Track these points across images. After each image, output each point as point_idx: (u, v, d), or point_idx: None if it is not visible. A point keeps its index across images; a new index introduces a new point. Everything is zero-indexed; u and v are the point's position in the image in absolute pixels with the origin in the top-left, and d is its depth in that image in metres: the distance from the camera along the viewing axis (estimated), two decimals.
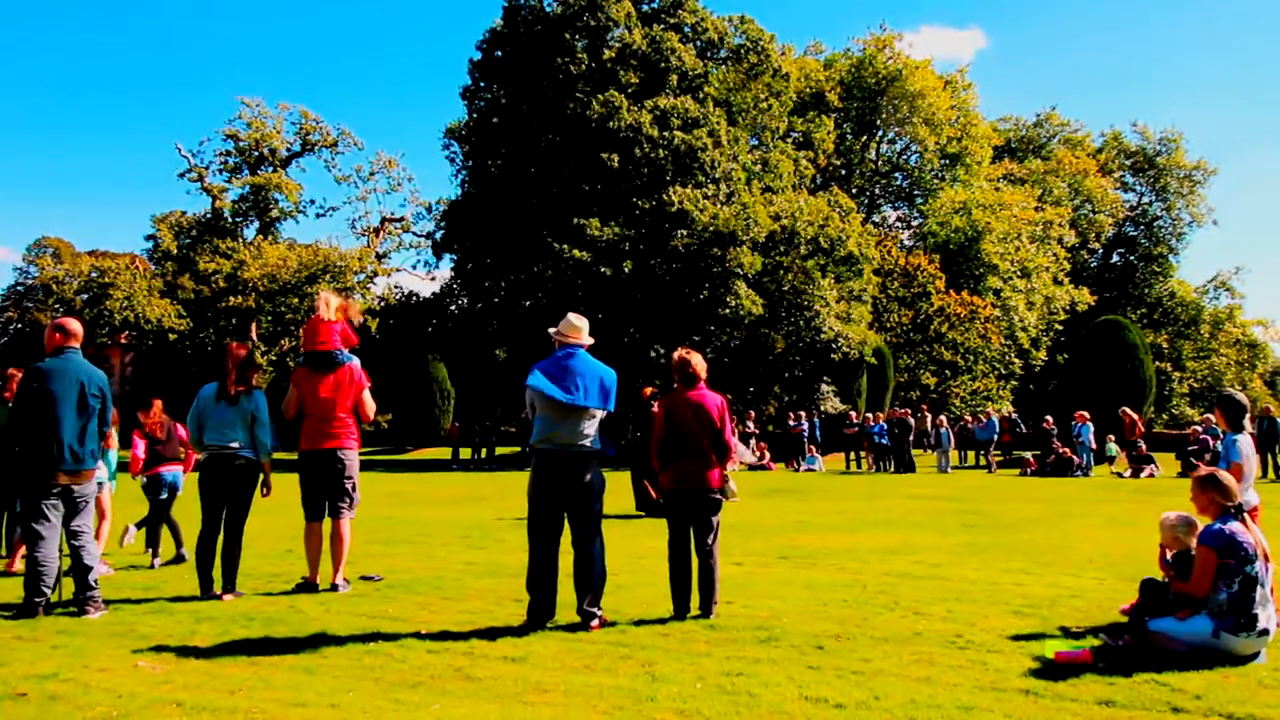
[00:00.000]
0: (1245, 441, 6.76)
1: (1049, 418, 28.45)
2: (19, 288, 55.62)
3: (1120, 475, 24.29)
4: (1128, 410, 26.56)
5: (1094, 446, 25.95)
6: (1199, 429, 24.76)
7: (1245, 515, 5.73)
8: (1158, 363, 45.03)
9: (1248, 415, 6.92)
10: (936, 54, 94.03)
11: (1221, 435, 6.99)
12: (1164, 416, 48.10)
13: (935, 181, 49.08)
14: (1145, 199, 56.40)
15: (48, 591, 6.64)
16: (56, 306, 50.72)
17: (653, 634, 6.03)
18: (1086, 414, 26.14)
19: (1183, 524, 6.02)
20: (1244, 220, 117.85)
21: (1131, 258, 56.53)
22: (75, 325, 7.02)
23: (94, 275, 53.56)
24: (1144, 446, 25.38)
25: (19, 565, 7.03)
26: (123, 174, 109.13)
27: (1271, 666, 5.23)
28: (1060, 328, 46.31)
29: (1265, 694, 4.73)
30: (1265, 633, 5.38)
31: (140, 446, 9.52)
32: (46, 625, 6.32)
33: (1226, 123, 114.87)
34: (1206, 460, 21.53)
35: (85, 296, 52.72)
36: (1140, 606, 5.73)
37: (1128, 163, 56.29)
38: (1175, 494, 15.72)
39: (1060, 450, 25.85)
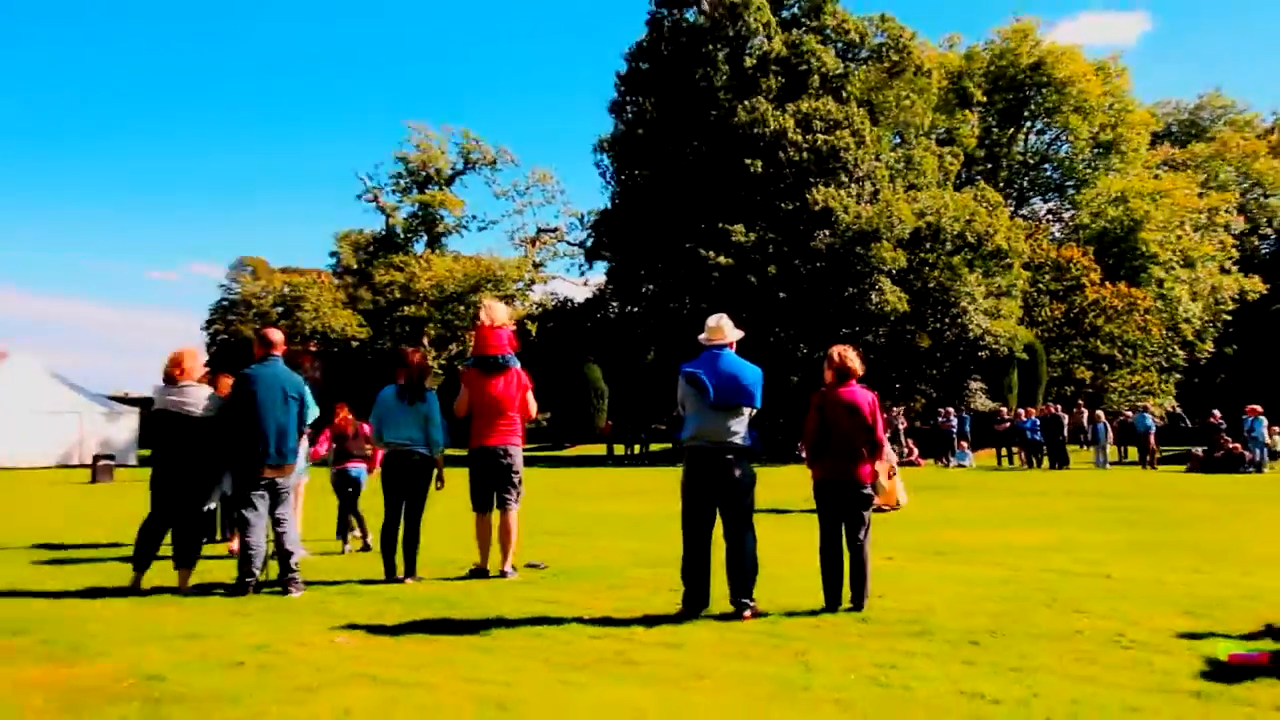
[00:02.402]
0: None
1: (1216, 412, 26.58)
2: (224, 302, 59.17)
3: None
4: None
5: (1268, 442, 24.09)
6: None
7: None
8: None
9: None
10: (1098, 40, 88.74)
11: None
12: None
13: (1088, 171, 46.36)
14: None
15: (257, 572, 7.06)
16: (255, 318, 53.71)
17: (804, 625, 5.96)
18: (1260, 408, 24.29)
19: None
20: None
21: None
22: (277, 335, 7.49)
23: (286, 290, 56.54)
24: None
25: (236, 546, 7.60)
26: (309, 197, 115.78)
27: None
28: (1229, 318, 42.98)
29: None
30: None
31: (324, 445, 10.11)
32: (256, 602, 6.74)
33: None
34: None
35: (279, 309, 55.51)
36: None
37: None
38: None
39: (1229, 445, 24.09)
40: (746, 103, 32.03)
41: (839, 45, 34.99)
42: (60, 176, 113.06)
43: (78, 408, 31.79)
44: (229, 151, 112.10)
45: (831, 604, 6.40)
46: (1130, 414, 30.11)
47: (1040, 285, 39.43)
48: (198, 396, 7.27)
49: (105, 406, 33.31)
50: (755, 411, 6.44)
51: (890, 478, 13.57)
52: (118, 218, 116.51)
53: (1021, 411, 29.12)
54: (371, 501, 9.38)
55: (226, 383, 7.91)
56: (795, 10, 35.23)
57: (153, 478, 7.33)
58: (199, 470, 7.32)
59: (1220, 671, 4.78)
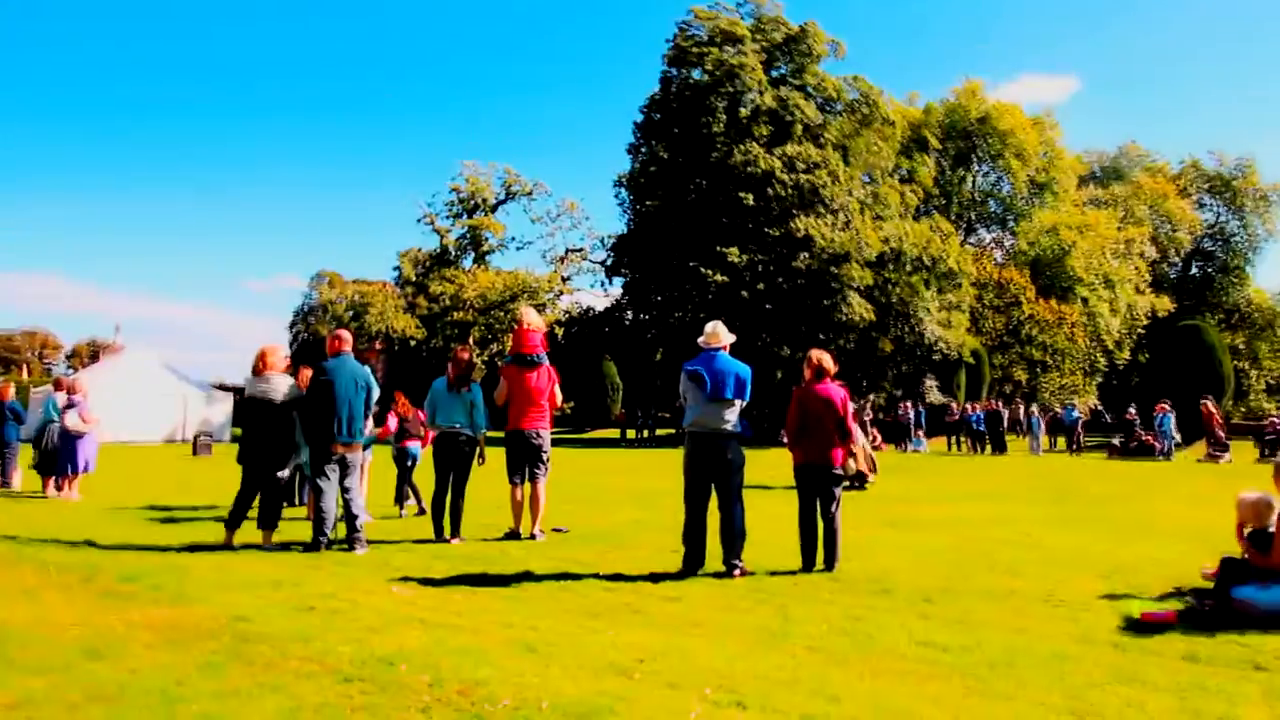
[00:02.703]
0: None
1: (1132, 408, 26.50)
2: (305, 307, 59.61)
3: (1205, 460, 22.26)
4: (1208, 403, 24.33)
5: (1174, 434, 23.96)
6: (1276, 420, 22.46)
7: None
8: (1235, 361, 41.01)
9: None
10: (1035, 98, 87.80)
11: None
12: (1241, 409, 43.65)
13: (1025, 206, 46.16)
14: (1222, 217, 51.04)
15: (328, 533, 7.11)
16: (331, 321, 53.89)
17: (785, 583, 5.96)
18: (1167, 405, 24.17)
19: (1262, 503, 5.47)
20: None
21: (1209, 269, 51.23)
22: (347, 335, 7.56)
23: (356, 297, 56.73)
24: (1222, 435, 23.19)
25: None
26: (377, 220, 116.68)
27: None
28: (1142, 331, 42.83)
29: None
30: None
31: (393, 423, 10.14)
32: (327, 557, 6.78)
33: None
34: None
35: (350, 313, 55.70)
36: (1221, 576, 5.25)
37: (1205, 185, 51.07)
38: (1251, 476, 14.26)
39: (1142, 437, 24.00)
40: (741, 147, 32.01)
41: (819, 100, 34.87)
42: (184, 208, 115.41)
43: (183, 393, 31.96)
44: (312, 184, 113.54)
45: (807, 566, 6.39)
46: (1060, 409, 30.02)
47: (984, 301, 39.39)
48: (279, 384, 7.31)
49: (205, 392, 33.46)
50: (745, 403, 6.45)
51: (869, 460, 13.53)
52: (223, 238, 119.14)
53: (968, 406, 29.06)
54: (423, 474, 9.43)
55: (306, 374, 7.95)
56: (782, 70, 35.18)
57: (239, 452, 7.38)
58: (279, 446, 7.35)
59: (1135, 627, 4.76)
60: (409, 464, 10.00)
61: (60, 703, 3.34)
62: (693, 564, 6.25)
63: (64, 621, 4.55)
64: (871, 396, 31.95)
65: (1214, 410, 23.76)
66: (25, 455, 12.86)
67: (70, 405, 11.70)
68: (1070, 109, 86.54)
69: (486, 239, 57.76)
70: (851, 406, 6.72)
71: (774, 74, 34.98)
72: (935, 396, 34.52)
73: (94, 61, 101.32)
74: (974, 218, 48.73)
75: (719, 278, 30.29)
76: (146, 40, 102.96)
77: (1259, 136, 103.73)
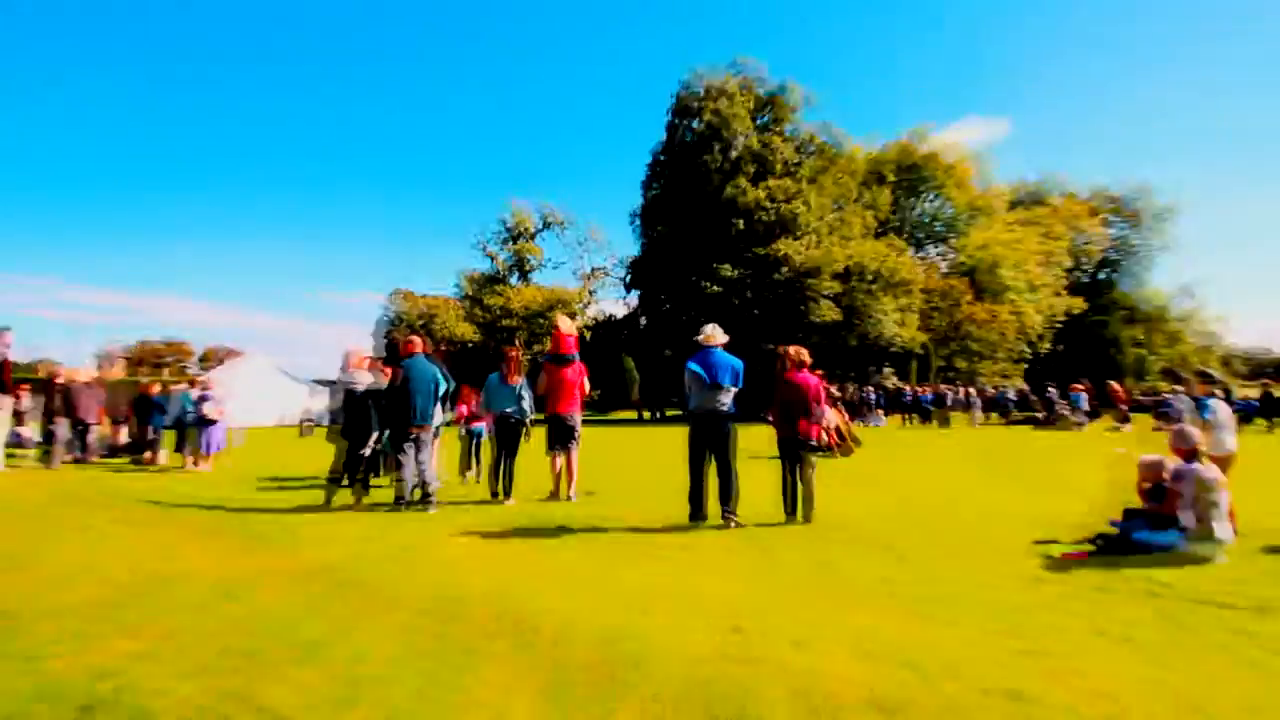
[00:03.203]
0: (1218, 404, 6.01)
1: (1051, 389, 26.18)
2: (384, 317, 60.20)
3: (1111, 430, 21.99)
4: (1114, 383, 24.05)
5: (1086, 409, 23.67)
6: (1168, 396, 22.13)
7: (1204, 456, 5.12)
8: (1136, 349, 40.47)
9: (1218, 385, 6.14)
10: (973, 137, 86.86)
11: (1200, 400, 6.21)
12: (1141, 386, 43.05)
13: (964, 226, 45.53)
14: (1124, 233, 50.40)
15: (407, 496, 7.13)
16: (406, 328, 54.45)
17: (770, 532, 5.96)
18: (1080, 386, 23.93)
19: (1157, 464, 5.43)
20: (1206, 240, 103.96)
21: (1114, 275, 50.42)
22: (419, 340, 7.58)
23: (426, 309, 57.17)
24: (1126, 409, 22.92)
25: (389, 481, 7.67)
26: (442, 245, 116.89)
27: (1226, 567, 4.65)
28: (1060, 326, 42.33)
29: (1218, 584, 4.23)
30: (1222, 542, 4.80)
31: (464, 410, 10.18)
32: (407, 516, 6.80)
33: (1195, 170, 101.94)
34: (1173, 418, 19.18)
35: (422, 323, 56.23)
36: (1124, 523, 5.21)
37: (1111, 207, 50.34)
38: (1149, 443, 14.07)
39: (1061, 412, 23.73)
40: (732, 183, 31.85)
41: (795, 143, 34.60)
42: (283, 241, 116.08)
43: (290, 387, 32.27)
44: (388, 217, 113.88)
45: (788, 518, 6.38)
46: (993, 390, 29.69)
47: (931, 304, 38.94)
48: (361, 378, 7.44)
49: (308, 386, 33.77)
50: (738, 389, 6.43)
51: (846, 430, 13.34)
52: (324, 262, 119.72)
53: (919, 388, 28.80)
54: (482, 449, 9.47)
55: (387, 371, 8.00)
56: (765, 120, 34.95)
57: (340, 431, 7.46)
58: (360, 426, 7.42)
59: (1055, 564, 4.75)
60: (474, 441, 9.99)
61: (201, 633, 3.41)
62: (696, 517, 6.25)
63: (201, 568, 4.63)
64: (839, 384, 31.76)
65: (1119, 389, 23.49)
66: (168, 439, 13.05)
67: (204, 398, 11.86)
68: (1002, 147, 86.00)
69: (529, 261, 57.89)
70: (830, 391, 6.71)
71: (759, 123, 34.77)
72: (892, 382, 34.31)
73: (226, 134, 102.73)
74: (922, 236, 48.14)
75: (715, 289, 30.30)
76: (259, 120, 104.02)
77: (1157, 163, 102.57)
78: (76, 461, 12.11)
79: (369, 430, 7.51)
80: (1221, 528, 4.81)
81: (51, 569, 4.60)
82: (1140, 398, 34.40)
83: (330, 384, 31.94)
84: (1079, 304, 43.21)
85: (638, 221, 38.83)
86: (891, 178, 42.08)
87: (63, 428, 11.71)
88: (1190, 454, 5.05)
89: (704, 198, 32.47)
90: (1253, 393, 24.85)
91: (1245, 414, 20.76)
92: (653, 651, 3.11)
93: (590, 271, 59.23)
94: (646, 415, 34.64)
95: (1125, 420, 22.28)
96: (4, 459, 10.89)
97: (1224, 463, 5.80)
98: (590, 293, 58.24)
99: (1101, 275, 51.33)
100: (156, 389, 13.45)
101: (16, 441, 13.94)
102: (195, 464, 11.63)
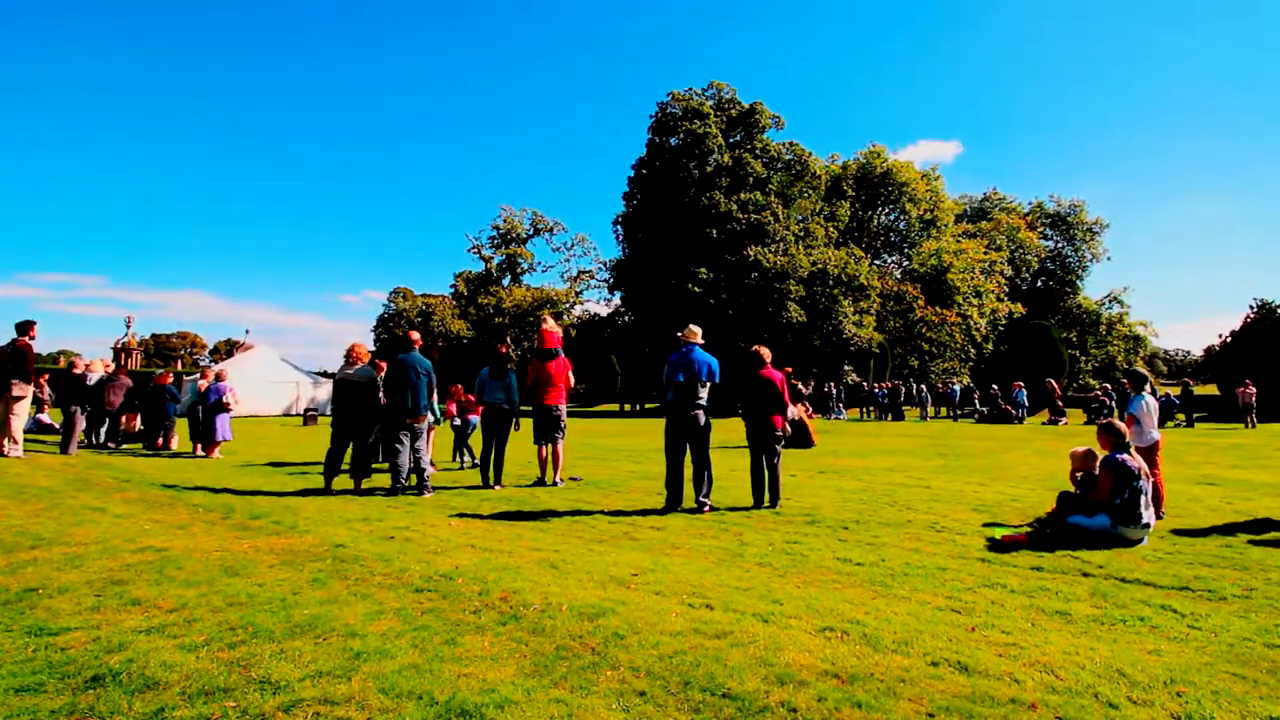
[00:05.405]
0: (1147, 399, 6.11)
1: (995, 385, 26.60)
2: (385, 314, 59.36)
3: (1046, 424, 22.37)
4: (1051, 381, 24.48)
5: (1025, 404, 24.10)
6: (1099, 393, 22.58)
7: (1132, 448, 5.21)
8: (1070, 351, 41.29)
9: (1147, 383, 6.24)
10: (926, 157, 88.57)
11: (1129, 396, 6.31)
12: (1074, 385, 43.92)
13: (917, 237, 46.15)
14: (1060, 244, 51.37)
15: (402, 481, 7.04)
16: (404, 325, 53.89)
17: (740, 517, 5.97)
18: (1021, 383, 24.35)
19: (1088, 454, 5.52)
20: (1133, 251, 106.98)
21: (1051, 283, 51.43)
22: (416, 335, 7.43)
23: (423, 307, 56.54)
24: (1061, 405, 23.35)
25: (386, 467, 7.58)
26: (439, 248, 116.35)
27: (1150, 548, 4.74)
28: (1002, 329, 43.08)
29: (1146, 564, 4.31)
30: (1147, 525, 4.89)
31: (454, 407, 10.09)
32: (402, 500, 6.72)
33: (1122, 187, 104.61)
34: (1104, 413, 19.57)
35: (419, 319, 55.67)
36: (1059, 508, 5.29)
37: (1047, 221, 51.31)
38: (1081, 435, 14.36)
39: (1003, 406, 24.10)
40: (707, 195, 31.88)
41: (764, 159, 34.72)
42: (295, 241, 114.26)
43: (296, 379, 31.70)
44: (390, 221, 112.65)
45: (757, 503, 6.40)
46: (943, 387, 30.09)
47: (887, 307, 39.37)
48: (361, 371, 7.30)
49: (312, 378, 33.25)
50: (714, 385, 6.42)
51: (808, 425, 13.38)
52: (328, 263, 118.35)
53: (876, 385, 29.09)
54: (473, 439, 9.39)
55: (383, 365, 7.90)
56: (737, 138, 35.04)
57: (332, 421, 7.34)
58: (361, 416, 7.31)
59: (997, 546, 4.80)
60: (466, 430, 9.93)
61: (207, 607, 3.33)
62: (673, 503, 6.24)
63: (208, 548, 4.53)
64: (805, 380, 31.98)
65: (1055, 386, 23.92)
66: (181, 427, 12.76)
67: (222, 389, 11.62)
68: (953, 167, 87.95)
69: (519, 263, 57.57)
70: (797, 388, 6.72)
71: (731, 140, 34.90)
72: (852, 378, 34.62)
73: (252, 154, 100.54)
74: (879, 246, 48.68)
75: (694, 289, 30.31)
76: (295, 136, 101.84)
77: (1090, 182, 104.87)
78: (93, 448, 11.81)
79: (361, 420, 7.41)
80: (1147, 513, 4.91)
81: (66, 548, 4.47)
82: (1074, 394, 35.19)
83: (332, 376, 31.47)
84: (1019, 309, 44.03)
85: (620, 229, 38.74)
86: (851, 192, 42.46)
87: (80, 416, 11.40)
88: (1118, 445, 5.14)
89: (681, 207, 32.49)
90: (1174, 390, 25.43)
91: (1167, 409, 21.25)
92: (631, 626, 3.09)
93: (577, 274, 59.04)
94: (628, 407, 34.59)
95: (1061, 414, 22.70)
96: (24, 444, 10.57)
97: (1149, 453, 5.91)
98: (577, 294, 58.05)
99: (1039, 283, 52.33)
100: (169, 379, 13.13)
101: (36, 428, 13.56)
102: (205, 451, 11.39)
